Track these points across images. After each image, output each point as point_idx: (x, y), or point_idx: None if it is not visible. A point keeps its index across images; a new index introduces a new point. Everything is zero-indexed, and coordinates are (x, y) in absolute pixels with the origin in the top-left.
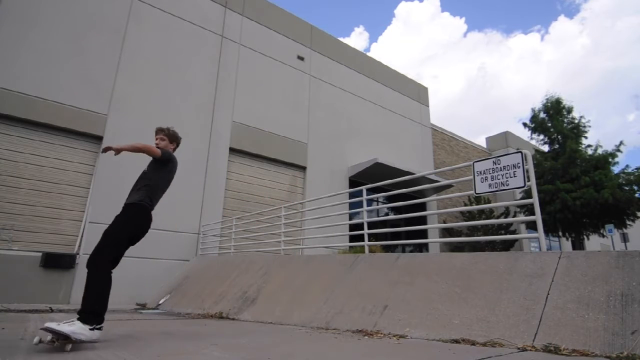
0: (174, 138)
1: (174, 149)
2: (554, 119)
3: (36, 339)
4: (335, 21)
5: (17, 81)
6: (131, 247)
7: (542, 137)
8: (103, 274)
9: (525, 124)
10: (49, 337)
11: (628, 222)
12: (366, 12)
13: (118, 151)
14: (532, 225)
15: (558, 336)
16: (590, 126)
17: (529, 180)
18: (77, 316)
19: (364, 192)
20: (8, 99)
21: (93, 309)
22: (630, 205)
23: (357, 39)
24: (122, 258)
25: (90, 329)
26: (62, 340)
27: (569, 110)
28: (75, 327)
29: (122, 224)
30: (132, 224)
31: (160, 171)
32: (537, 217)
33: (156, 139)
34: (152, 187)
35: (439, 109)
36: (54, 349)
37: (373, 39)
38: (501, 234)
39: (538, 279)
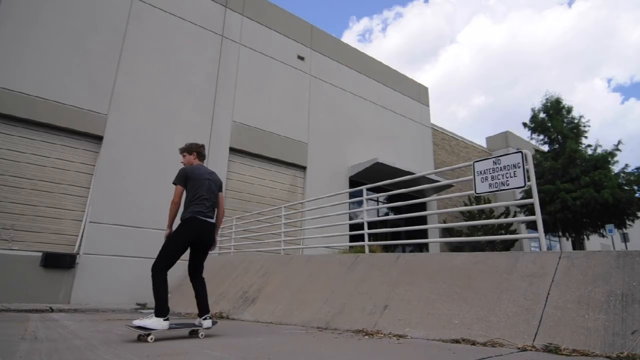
0: (189, 150)
1: (198, 157)
2: (553, 119)
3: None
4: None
5: (18, 81)
6: (131, 247)
7: (542, 137)
8: (157, 278)
9: (525, 124)
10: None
11: (628, 222)
12: None
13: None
14: (532, 225)
15: (558, 336)
16: (589, 125)
17: (529, 180)
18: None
19: (364, 192)
20: (9, 99)
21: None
22: (631, 205)
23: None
24: (123, 258)
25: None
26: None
27: (569, 110)
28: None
29: (171, 237)
30: (180, 235)
31: (187, 189)
32: (538, 217)
33: (181, 162)
34: (185, 203)
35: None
36: None
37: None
38: (501, 234)
39: (538, 278)
